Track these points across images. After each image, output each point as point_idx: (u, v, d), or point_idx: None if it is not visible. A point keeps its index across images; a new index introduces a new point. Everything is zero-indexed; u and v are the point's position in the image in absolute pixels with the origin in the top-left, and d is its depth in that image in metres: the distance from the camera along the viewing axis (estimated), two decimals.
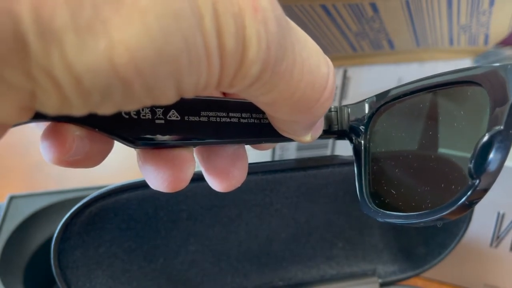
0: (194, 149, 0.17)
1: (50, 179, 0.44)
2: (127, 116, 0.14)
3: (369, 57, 0.31)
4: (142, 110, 0.15)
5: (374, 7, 0.27)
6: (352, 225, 0.29)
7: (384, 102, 0.20)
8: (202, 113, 0.16)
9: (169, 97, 0.12)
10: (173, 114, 0.15)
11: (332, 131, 0.20)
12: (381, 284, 0.29)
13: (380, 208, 0.18)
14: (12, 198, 0.33)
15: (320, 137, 0.20)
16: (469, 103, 0.17)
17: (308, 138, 0.17)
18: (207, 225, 0.27)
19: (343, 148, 0.36)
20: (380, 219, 0.18)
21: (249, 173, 0.25)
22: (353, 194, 0.28)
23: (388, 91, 0.20)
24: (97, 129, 0.14)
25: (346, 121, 0.20)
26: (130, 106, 0.11)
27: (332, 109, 0.20)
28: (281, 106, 0.14)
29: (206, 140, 0.16)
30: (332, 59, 0.33)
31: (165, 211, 0.26)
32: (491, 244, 0.31)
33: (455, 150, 0.18)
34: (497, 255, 0.31)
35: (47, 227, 0.32)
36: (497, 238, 0.31)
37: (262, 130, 0.18)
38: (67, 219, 0.23)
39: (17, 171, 0.45)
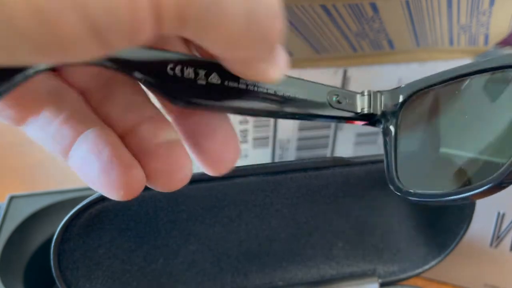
0: (183, 134, 0.17)
1: (51, 179, 0.44)
2: (171, 73, 0.16)
3: (369, 57, 0.31)
4: (186, 68, 0.16)
5: (374, 7, 0.27)
6: (352, 225, 0.29)
7: (418, 89, 0.20)
8: (242, 80, 0.17)
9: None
10: (215, 77, 0.16)
11: (363, 114, 0.21)
12: (381, 284, 0.29)
13: (411, 188, 0.19)
14: (12, 198, 0.33)
15: (350, 120, 0.20)
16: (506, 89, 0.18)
17: (274, 74, 0.16)
18: (207, 225, 0.27)
19: (343, 148, 0.36)
20: (411, 198, 0.18)
21: (249, 174, 0.25)
22: (353, 195, 0.28)
23: (422, 79, 0.21)
24: (144, 81, 0.15)
25: (379, 106, 0.21)
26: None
27: (365, 93, 0.21)
28: (225, 41, 0.13)
29: (242, 107, 0.17)
30: (332, 59, 0.33)
31: (165, 212, 0.26)
32: (491, 244, 0.31)
33: (486, 133, 0.18)
34: (497, 255, 0.31)
35: (48, 227, 0.32)
36: (497, 238, 0.31)
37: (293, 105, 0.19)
38: (67, 220, 0.23)
39: (18, 171, 0.45)
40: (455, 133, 0.19)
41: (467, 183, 0.17)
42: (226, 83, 0.17)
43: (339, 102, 0.20)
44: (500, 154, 0.17)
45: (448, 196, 0.17)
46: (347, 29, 0.28)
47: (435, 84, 0.20)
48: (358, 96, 0.21)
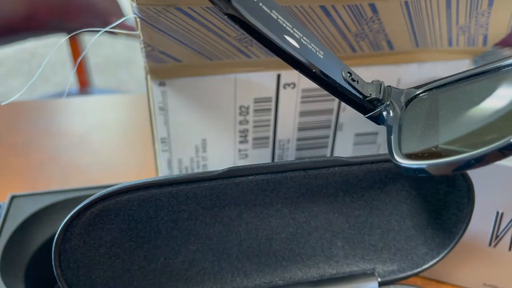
0: None
1: (52, 179, 0.44)
2: None
3: (369, 58, 0.31)
4: None
5: (373, 8, 0.27)
6: (351, 224, 0.29)
7: (428, 88, 0.22)
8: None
9: None
10: None
11: (371, 98, 0.22)
12: (380, 283, 0.29)
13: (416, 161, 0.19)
14: (13, 198, 0.33)
15: (356, 103, 0.22)
16: None
17: None
18: (208, 225, 0.27)
19: (343, 148, 0.36)
20: (414, 167, 0.18)
21: (249, 174, 0.25)
22: (352, 194, 0.28)
23: (432, 81, 0.22)
24: None
25: (387, 95, 0.22)
26: None
27: (374, 81, 0.22)
28: None
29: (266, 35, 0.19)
30: None
31: (165, 211, 0.26)
32: (490, 244, 0.31)
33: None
34: (496, 254, 0.31)
35: (49, 227, 0.32)
36: (496, 238, 0.31)
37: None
38: (68, 220, 0.23)
39: (19, 171, 0.45)
40: (459, 126, 0.20)
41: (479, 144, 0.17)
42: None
43: (353, 80, 0.22)
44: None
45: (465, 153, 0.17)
46: (346, 30, 0.28)
47: (445, 85, 0.21)
48: (368, 83, 0.22)
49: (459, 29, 0.30)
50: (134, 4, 0.24)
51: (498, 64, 0.20)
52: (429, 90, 0.22)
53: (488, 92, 0.20)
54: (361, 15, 0.27)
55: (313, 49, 0.21)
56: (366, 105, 0.22)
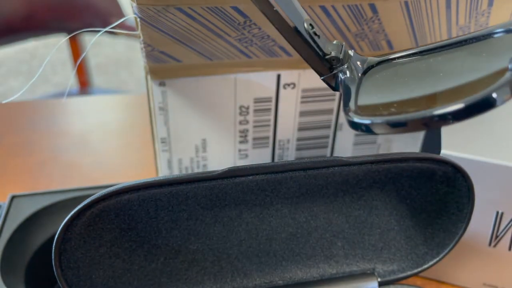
0: None
1: (52, 179, 0.44)
2: None
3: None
4: None
5: (373, 8, 0.27)
6: (351, 224, 0.29)
7: (389, 58, 0.21)
8: None
9: None
10: None
11: (331, 57, 0.21)
12: (380, 283, 0.29)
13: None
14: (13, 198, 0.33)
15: (314, 62, 0.21)
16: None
17: None
18: (208, 225, 0.27)
19: (343, 148, 0.36)
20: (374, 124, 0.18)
21: (249, 174, 0.25)
22: (352, 194, 0.28)
23: (395, 51, 0.22)
24: None
25: (347, 57, 0.21)
26: None
27: (336, 41, 0.21)
28: None
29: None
30: None
31: (165, 211, 0.26)
32: (489, 244, 0.31)
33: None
34: (496, 254, 0.31)
35: (49, 226, 0.32)
36: (495, 238, 0.31)
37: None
38: (68, 220, 0.23)
39: (19, 171, 0.45)
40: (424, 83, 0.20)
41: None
42: None
43: (315, 33, 0.21)
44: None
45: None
46: (346, 30, 0.28)
47: (407, 55, 0.21)
48: (330, 42, 0.21)
49: (459, 29, 0.30)
50: (134, 4, 0.24)
51: (460, 39, 0.20)
52: (391, 59, 0.22)
53: (445, 64, 0.20)
54: (361, 15, 0.27)
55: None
56: (324, 64, 0.21)
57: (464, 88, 0.17)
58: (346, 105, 0.20)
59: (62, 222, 0.23)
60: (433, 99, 0.18)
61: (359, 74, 0.21)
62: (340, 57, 0.21)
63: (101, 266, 0.25)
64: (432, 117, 0.16)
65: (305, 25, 0.21)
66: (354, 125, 0.19)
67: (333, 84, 0.22)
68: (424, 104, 0.18)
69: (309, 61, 0.21)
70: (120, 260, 0.26)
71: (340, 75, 0.21)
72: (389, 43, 0.30)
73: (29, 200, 0.33)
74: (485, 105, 0.15)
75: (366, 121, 0.18)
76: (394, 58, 0.22)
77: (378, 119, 0.18)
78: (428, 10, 0.28)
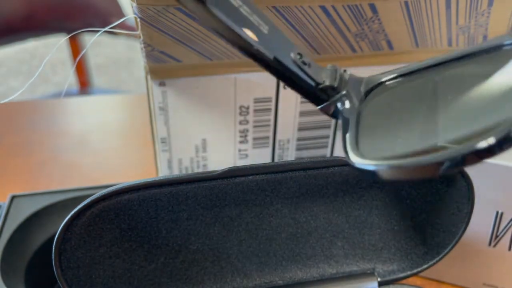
0: None
1: (52, 179, 0.44)
2: None
3: (368, 58, 0.31)
4: None
5: (373, 8, 0.27)
6: (351, 224, 0.29)
7: (390, 77, 0.19)
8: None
9: None
10: None
11: (325, 86, 0.19)
12: (380, 283, 0.29)
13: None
14: (13, 198, 0.33)
15: (307, 92, 0.19)
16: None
17: None
18: (208, 225, 0.27)
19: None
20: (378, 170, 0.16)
21: (249, 174, 0.25)
22: (352, 194, 0.28)
23: (395, 69, 0.19)
24: None
25: (343, 84, 0.19)
26: None
27: (330, 66, 0.19)
28: None
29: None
30: (332, 60, 0.33)
31: (165, 211, 0.26)
32: (489, 244, 0.31)
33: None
34: (496, 254, 0.31)
35: (49, 226, 0.32)
36: (495, 238, 0.31)
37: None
38: (68, 220, 0.23)
39: (19, 171, 0.45)
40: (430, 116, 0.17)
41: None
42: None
43: (303, 63, 0.18)
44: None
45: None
46: (346, 30, 0.28)
47: (412, 72, 0.19)
48: (323, 69, 0.19)
49: (459, 29, 0.30)
50: (134, 4, 0.24)
51: (467, 52, 0.18)
52: (392, 79, 0.19)
53: (452, 84, 0.17)
54: (361, 15, 0.27)
55: (254, 21, 0.17)
56: (318, 94, 0.19)
57: (480, 118, 0.14)
58: (345, 143, 0.17)
59: (62, 222, 0.23)
60: (447, 132, 0.15)
61: (358, 102, 0.19)
62: (335, 85, 0.19)
63: (101, 266, 0.25)
64: (455, 158, 0.13)
65: (292, 55, 0.18)
66: (356, 170, 0.16)
67: (331, 113, 0.19)
68: (436, 139, 0.15)
69: (301, 93, 0.19)
70: (120, 260, 0.26)
71: (338, 104, 0.19)
72: (389, 43, 0.30)
73: (29, 200, 0.33)
74: None
75: (370, 167, 0.15)
76: (396, 77, 0.19)
77: (383, 163, 0.15)
78: (428, 10, 0.28)
